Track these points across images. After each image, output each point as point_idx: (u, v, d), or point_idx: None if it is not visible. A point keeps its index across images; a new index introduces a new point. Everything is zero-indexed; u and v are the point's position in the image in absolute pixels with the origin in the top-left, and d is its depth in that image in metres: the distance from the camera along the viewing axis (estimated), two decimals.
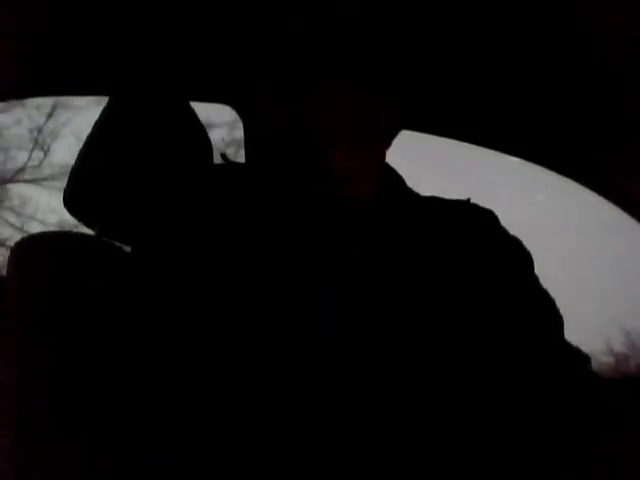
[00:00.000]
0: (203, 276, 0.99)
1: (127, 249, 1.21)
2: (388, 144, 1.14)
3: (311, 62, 1.07)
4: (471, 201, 1.15)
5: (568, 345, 1.09)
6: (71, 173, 1.25)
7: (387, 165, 1.16)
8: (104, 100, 1.24)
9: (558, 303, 1.12)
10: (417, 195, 1.16)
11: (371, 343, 0.95)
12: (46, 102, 5.71)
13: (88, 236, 1.23)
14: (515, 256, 1.12)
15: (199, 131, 1.28)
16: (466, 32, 1.40)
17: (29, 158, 6.30)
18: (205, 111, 1.64)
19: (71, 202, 1.24)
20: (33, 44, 1.45)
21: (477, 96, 1.58)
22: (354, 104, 1.07)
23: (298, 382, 0.92)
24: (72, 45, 1.47)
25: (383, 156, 1.14)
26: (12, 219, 6.33)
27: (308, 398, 0.91)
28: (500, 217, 1.15)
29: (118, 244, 1.23)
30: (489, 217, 1.14)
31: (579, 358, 1.08)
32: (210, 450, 0.91)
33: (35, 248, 1.16)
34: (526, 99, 1.55)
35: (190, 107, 1.28)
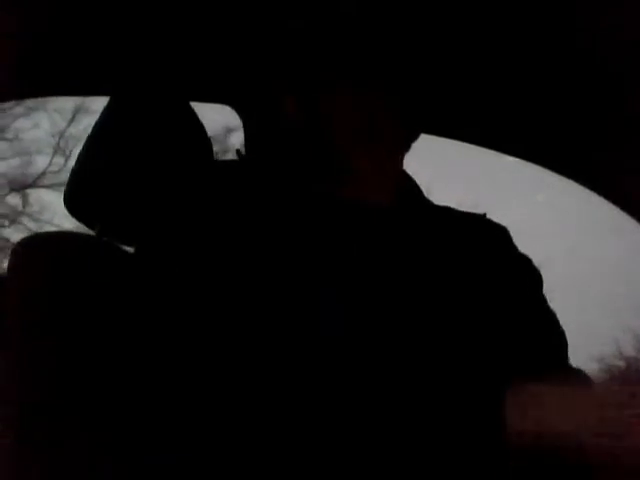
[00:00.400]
0: (203, 275, 0.99)
1: (127, 249, 1.21)
2: (399, 147, 1.11)
3: (316, 62, 1.07)
4: (486, 216, 1.14)
5: (570, 367, 1.08)
6: (71, 173, 1.25)
7: (404, 172, 1.15)
8: None
9: (562, 306, 1.11)
10: (431, 204, 1.15)
11: (371, 343, 0.95)
12: (68, 106, 5.71)
13: (88, 236, 1.23)
14: (523, 275, 1.11)
15: (199, 131, 1.28)
16: (466, 32, 1.40)
17: (50, 163, 6.31)
18: (225, 116, 1.65)
19: (71, 202, 1.25)
20: (33, 44, 1.45)
21: (477, 96, 1.58)
22: (354, 104, 1.06)
23: (298, 382, 0.92)
24: (72, 45, 1.47)
25: (395, 159, 1.12)
26: (30, 224, 6.34)
27: (308, 398, 0.91)
28: (500, 217, 1.15)
29: (118, 244, 1.23)
30: (502, 233, 1.14)
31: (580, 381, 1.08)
32: (210, 450, 0.91)
33: (35, 248, 1.16)
34: (526, 99, 1.55)
35: (190, 107, 1.28)
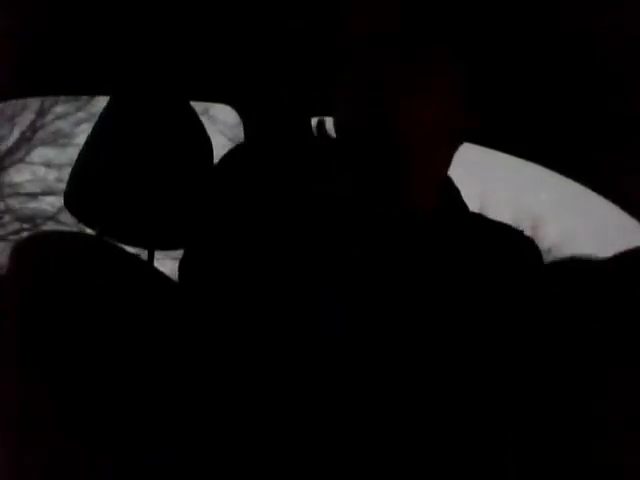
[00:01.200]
0: (201, 274, 0.99)
1: (127, 249, 1.21)
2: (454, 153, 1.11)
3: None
4: (515, 227, 1.13)
5: None
6: (72, 173, 1.26)
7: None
8: None
9: None
10: (466, 210, 1.14)
11: (371, 343, 0.95)
12: None
13: (88, 236, 1.24)
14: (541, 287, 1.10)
15: (199, 131, 1.28)
16: (465, 31, 1.40)
17: None
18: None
19: (71, 202, 1.25)
20: (33, 44, 1.45)
21: (477, 96, 1.58)
22: (433, 117, 1.04)
23: (298, 382, 0.92)
24: (72, 45, 1.47)
25: (449, 164, 1.11)
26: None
27: (308, 398, 0.92)
28: (500, 217, 1.14)
29: (118, 244, 1.23)
30: (528, 244, 1.12)
31: None
32: (210, 450, 0.91)
33: (35, 248, 1.16)
34: (526, 99, 1.55)
35: (190, 107, 1.28)
